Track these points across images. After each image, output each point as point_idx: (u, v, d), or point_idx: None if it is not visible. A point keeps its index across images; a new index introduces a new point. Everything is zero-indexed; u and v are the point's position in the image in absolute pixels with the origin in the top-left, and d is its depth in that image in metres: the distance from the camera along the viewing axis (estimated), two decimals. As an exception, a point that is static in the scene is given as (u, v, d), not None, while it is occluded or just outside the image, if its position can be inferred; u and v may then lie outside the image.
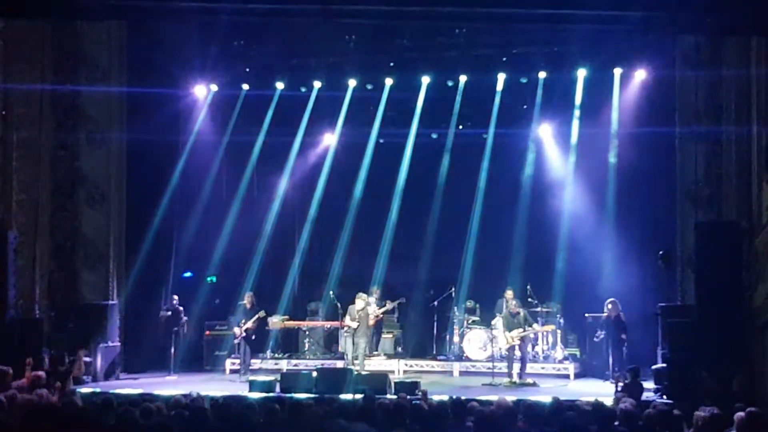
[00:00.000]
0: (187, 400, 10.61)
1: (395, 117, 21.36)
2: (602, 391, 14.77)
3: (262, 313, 18.03)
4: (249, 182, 21.40)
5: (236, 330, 17.96)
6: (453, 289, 20.08)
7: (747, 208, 15.36)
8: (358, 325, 17.61)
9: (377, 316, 19.18)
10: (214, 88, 20.47)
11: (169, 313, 18.77)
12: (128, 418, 8.50)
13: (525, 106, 20.67)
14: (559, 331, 18.91)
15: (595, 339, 18.12)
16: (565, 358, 18.66)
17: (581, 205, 20.01)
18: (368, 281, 20.46)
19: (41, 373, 12.97)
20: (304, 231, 22.05)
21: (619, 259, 18.83)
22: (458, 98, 20.38)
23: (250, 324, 17.78)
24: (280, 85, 20.65)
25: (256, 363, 18.52)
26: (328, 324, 20.19)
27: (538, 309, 18.90)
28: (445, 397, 11.82)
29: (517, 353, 17.31)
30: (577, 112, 19.95)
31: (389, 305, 19.58)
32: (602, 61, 19.00)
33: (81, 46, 17.91)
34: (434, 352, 20.12)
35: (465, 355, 19.02)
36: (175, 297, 19.04)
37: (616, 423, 9.08)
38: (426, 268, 20.75)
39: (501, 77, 20.05)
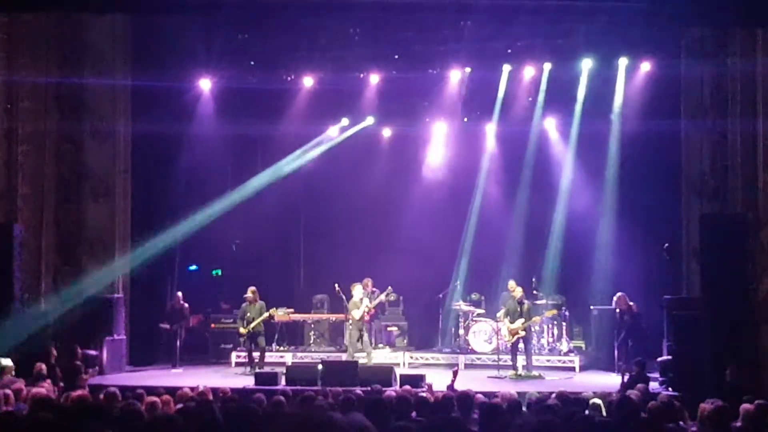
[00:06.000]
0: (192, 393, 10.64)
1: (400, 109, 21.34)
2: (608, 384, 14.78)
3: (266, 315, 17.94)
4: (254, 175, 21.36)
5: (241, 329, 17.86)
6: (458, 281, 20.08)
7: (752, 200, 15.35)
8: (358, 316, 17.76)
9: (371, 310, 18.61)
10: (219, 80, 20.42)
11: (167, 326, 18.64)
12: (133, 411, 8.51)
13: (530, 99, 20.63)
14: (564, 324, 18.92)
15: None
16: (571, 351, 18.67)
17: (586, 197, 19.97)
18: (374, 274, 20.46)
19: (43, 365, 13.06)
20: (309, 223, 22.03)
21: (624, 252, 18.81)
22: (463, 90, 20.35)
23: (257, 321, 17.73)
24: (285, 78, 20.61)
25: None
26: (333, 317, 20.16)
27: (543, 301, 18.91)
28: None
29: (521, 345, 17.35)
30: (581, 104, 19.89)
31: (382, 297, 19.30)
32: (607, 53, 18.92)
33: (86, 39, 17.87)
34: (439, 345, 20.13)
35: (470, 347, 19.03)
36: (179, 294, 18.96)
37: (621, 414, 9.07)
38: (431, 261, 20.71)
39: (506, 69, 20.00)
